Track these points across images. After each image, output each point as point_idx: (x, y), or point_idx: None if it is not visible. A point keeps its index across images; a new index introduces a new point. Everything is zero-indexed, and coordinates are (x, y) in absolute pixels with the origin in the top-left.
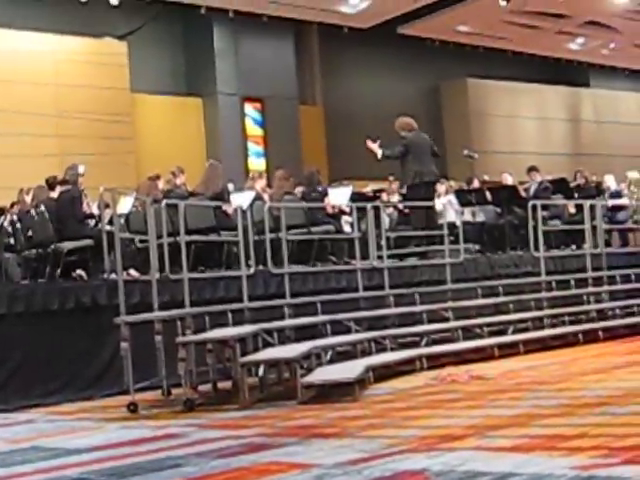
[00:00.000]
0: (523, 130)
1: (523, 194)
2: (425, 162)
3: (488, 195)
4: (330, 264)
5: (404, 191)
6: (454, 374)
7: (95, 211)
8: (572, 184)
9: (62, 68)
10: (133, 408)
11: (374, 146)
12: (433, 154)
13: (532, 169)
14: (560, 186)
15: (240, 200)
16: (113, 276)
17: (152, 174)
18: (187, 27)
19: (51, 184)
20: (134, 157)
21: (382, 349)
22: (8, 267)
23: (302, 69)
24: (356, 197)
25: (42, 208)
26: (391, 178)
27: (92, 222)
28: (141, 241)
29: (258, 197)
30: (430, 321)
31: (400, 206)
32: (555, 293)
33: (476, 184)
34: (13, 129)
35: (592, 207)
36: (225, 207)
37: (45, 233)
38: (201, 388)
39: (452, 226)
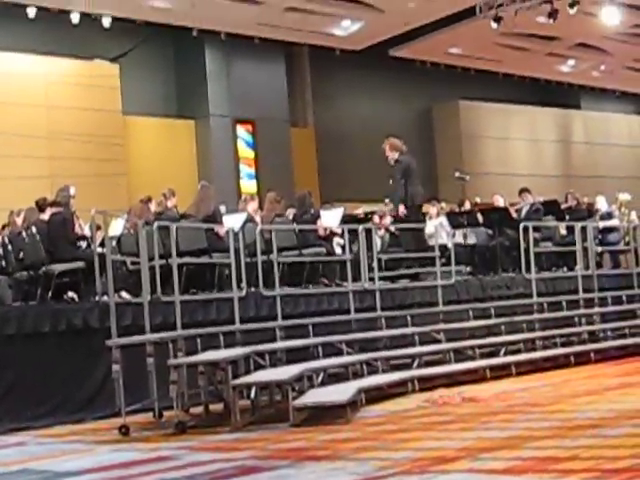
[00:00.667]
0: (514, 152)
1: (515, 216)
2: (417, 184)
3: (479, 217)
4: (322, 286)
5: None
6: (446, 396)
7: (87, 233)
8: (563, 206)
9: (53, 90)
10: (124, 431)
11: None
12: None
13: (524, 190)
14: (551, 208)
15: (232, 222)
16: (105, 298)
17: (144, 196)
18: (179, 49)
19: (41, 206)
20: (126, 179)
21: (374, 371)
22: None
23: (293, 91)
24: (348, 219)
25: (33, 230)
26: (387, 200)
27: (84, 244)
28: (133, 263)
29: (250, 219)
30: (422, 343)
31: (392, 228)
32: (547, 315)
33: (467, 206)
34: (4, 151)
35: (583, 229)
36: (217, 229)
37: (36, 255)
38: (193, 410)
39: (444, 248)
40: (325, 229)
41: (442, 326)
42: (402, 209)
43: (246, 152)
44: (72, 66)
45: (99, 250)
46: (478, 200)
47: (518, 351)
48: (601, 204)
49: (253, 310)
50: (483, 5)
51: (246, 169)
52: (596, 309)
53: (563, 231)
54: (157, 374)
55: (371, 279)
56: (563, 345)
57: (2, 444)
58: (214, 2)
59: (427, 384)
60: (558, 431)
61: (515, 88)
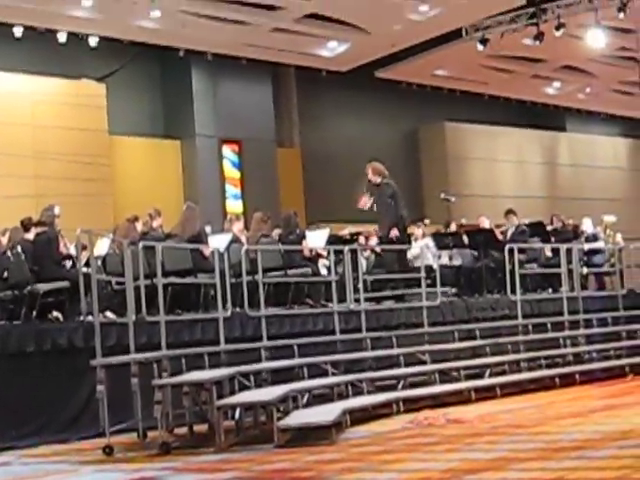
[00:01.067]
0: (500, 173)
1: (500, 237)
2: (403, 207)
3: (465, 238)
4: (307, 307)
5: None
6: (431, 417)
7: (72, 252)
8: (549, 228)
9: (40, 109)
10: (108, 451)
11: (365, 199)
12: None
13: (509, 212)
14: (537, 229)
15: (217, 242)
16: (89, 318)
17: (131, 216)
18: (165, 69)
19: (26, 225)
20: (112, 199)
21: (359, 392)
22: None
23: (280, 111)
24: (333, 240)
25: (18, 249)
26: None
27: (69, 264)
28: (118, 283)
29: (235, 239)
30: (407, 364)
31: (378, 249)
32: (532, 336)
33: (453, 227)
34: None
35: (568, 250)
36: (202, 249)
37: (21, 274)
38: (177, 431)
39: (429, 269)
40: (311, 250)
41: (427, 347)
42: (395, 232)
43: (232, 172)
44: (59, 85)
45: (84, 270)
46: (464, 222)
47: (503, 372)
48: (586, 226)
49: (238, 330)
50: (469, 27)
51: (232, 189)
52: (581, 331)
53: (548, 253)
54: (141, 394)
55: (356, 300)
56: (548, 367)
57: None
58: (201, 22)
59: (412, 405)
60: (543, 453)
61: (501, 110)
